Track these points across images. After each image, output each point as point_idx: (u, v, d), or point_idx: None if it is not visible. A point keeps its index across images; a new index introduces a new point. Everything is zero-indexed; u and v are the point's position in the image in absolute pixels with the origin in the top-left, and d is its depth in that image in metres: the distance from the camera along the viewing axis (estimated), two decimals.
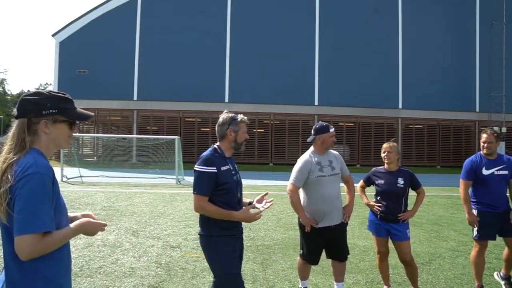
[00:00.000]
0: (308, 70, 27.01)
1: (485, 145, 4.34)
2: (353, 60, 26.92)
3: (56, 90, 1.84)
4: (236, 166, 3.11)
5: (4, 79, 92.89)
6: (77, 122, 1.85)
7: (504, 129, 25.92)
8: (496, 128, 25.92)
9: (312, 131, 4.01)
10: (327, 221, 3.89)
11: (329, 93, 26.81)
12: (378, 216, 4.19)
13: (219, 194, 2.88)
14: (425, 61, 27.50)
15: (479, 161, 4.40)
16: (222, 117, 3.02)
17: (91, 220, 1.79)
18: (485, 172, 4.32)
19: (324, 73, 26.97)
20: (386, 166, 4.24)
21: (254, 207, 3.03)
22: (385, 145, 4.25)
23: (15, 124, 1.74)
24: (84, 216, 1.87)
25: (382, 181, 4.19)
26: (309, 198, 3.95)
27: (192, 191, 2.92)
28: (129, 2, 26.39)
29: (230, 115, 3.01)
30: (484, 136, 4.38)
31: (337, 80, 26.74)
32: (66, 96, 1.82)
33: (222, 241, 2.90)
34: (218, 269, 2.91)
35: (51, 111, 1.73)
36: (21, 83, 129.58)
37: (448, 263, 5.47)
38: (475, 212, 4.40)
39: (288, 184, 3.95)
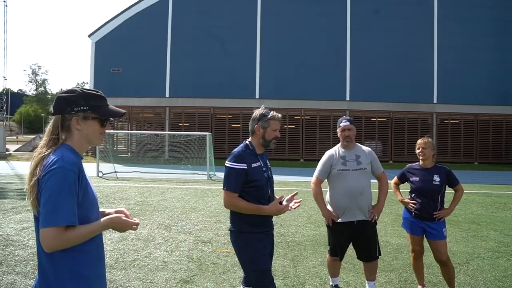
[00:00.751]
0: (339, 65, 26.60)
1: None
2: (386, 54, 26.28)
3: (90, 88, 1.87)
4: (268, 162, 3.07)
5: (46, 79, 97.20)
6: (110, 119, 1.87)
7: None
8: None
9: None
10: (348, 217, 3.82)
11: (360, 88, 26.32)
12: (413, 213, 4.07)
13: (249, 191, 2.85)
14: (462, 53, 26.44)
15: None
16: (254, 112, 2.99)
17: (122, 217, 1.80)
18: None
19: (356, 68, 26.48)
20: (421, 162, 4.10)
21: (282, 203, 2.98)
22: (419, 141, 4.11)
23: (51, 120, 1.81)
24: (117, 212, 1.89)
25: (417, 178, 4.05)
26: (332, 191, 3.94)
27: (222, 187, 2.92)
28: (161, 1, 26.85)
29: (262, 111, 2.95)
30: None
31: (369, 74, 26.20)
32: (98, 93, 1.86)
33: (253, 238, 2.87)
34: (248, 265, 2.89)
35: (82, 108, 1.77)
36: (60, 82, 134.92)
37: (487, 264, 5.24)
38: None
39: (313, 176, 3.98)
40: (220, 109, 26.96)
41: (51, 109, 1.80)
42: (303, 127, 26.76)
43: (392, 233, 6.89)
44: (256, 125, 2.94)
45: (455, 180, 4.06)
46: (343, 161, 3.85)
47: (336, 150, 3.97)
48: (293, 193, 2.98)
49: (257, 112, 2.97)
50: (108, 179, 14.48)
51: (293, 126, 26.89)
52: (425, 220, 4.00)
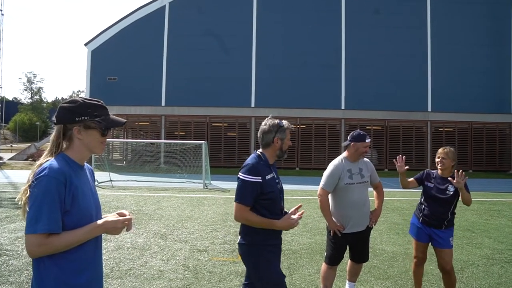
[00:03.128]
0: (335, 74, 26.77)
1: None
2: (380, 63, 26.51)
3: (91, 98, 1.91)
4: (277, 172, 3.04)
5: (41, 88, 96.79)
6: (110, 128, 1.91)
7: None
8: None
9: (348, 137, 4.01)
10: (353, 227, 3.92)
11: (355, 97, 26.47)
12: (420, 219, 4.09)
13: (264, 204, 2.79)
14: (456, 62, 26.74)
15: None
16: (267, 124, 2.90)
17: (109, 219, 1.81)
18: None
19: (351, 76, 26.66)
20: (439, 171, 4.13)
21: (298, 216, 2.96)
22: (440, 150, 4.13)
23: (54, 130, 1.86)
24: (119, 214, 1.90)
25: (431, 185, 4.08)
26: (337, 203, 3.96)
27: (234, 199, 2.84)
28: (157, 11, 27.01)
29: (276, 121, 2.89)
30: None
31: (364, 83, 26.39)
32: (100, 103, 1.89)
33: (266, 250, 2.81)
34: (262, 279, 2.81)
35: (83, 118, 1.82)
36: (56, 91, 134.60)
37: (482, 272, 5.28)
38: None
39: (319, 188, 3.98)
40: (216, 118, 27.01)
41: (54, 118, 1.85)
42: (299, 135, 26.84)
43: (387, 241, 6.92)
44: (274, 137, 2.87)
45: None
46: (349, 174, 3.90)
47: (342, 161, 3.97)
48: (297, 205, 2.95)
49: (271, 123, 2.89)
50: (103, 188, 14.43)
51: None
52: (433, 227, 4.03)
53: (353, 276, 4.25)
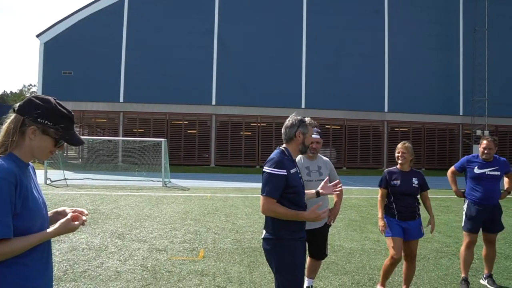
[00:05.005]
0: (295, 73, 27.14)
1: (485, 151, 4.67)
2: (340, 63, 27.18)
3: (64, 106, 1.77)
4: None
5: None
6: (64, 143, 1.79)
7: (486, 133, 26.44)
8: (481, 132, 26.49)
9: None
10: (312, 224, 3.94)
11: (315, 96, 26.98)
12: (396, 216, 4.21)
13: (289, 197, 2.83)
14: (410, 65, 27.92)
15: (473, 160, 4.81)
16: (291, 119, 3.01)
17: (62, 221, 1.73)
18: (476, 171, 4.71)
19: (311, 76, 27.14)
20: (399, 166, 4.29)
21: (322, 194, 3.09)
22: (400, 146, 4.29)
23: (10, 118, 1.70)
24: (56, 213, 1.83)
25: (398, 182, 4.22)
26: None
27: (261, 193, 2.84)
28: (116, 3, 26.17)
29: (299, 117, 3.00)
30: (484, 142, 4.70)
31: (324, 83, 26.96)
32: (71, 115, 1.78)
33: (292, 245, 2.85)
34: (286, 274, 2.82)
35: (45, 121, 1.69)
36: (4, 84, 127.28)
37: (432, 264, 5.56)
38: (466, 205, 4.87)
39: None
40: (176, 115, 26.60)
41: (16, 106, 1.70)
42: (259, 134, 27.00)
43: (345, 237, 7.11)
44: (296, 131, 2.95)
45: (426, 186, 4.36)
46: (307, 171, 3.96)
47: (300, 159, 4.02)
48: (318, 203, 2.95)
49: (294, 119, 3.00)
50: (57, 187, 13.83)
51: (250, 133, 27.05)
52: (408, 219, 4.21)
53: (312, 273, 4.34)
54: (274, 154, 2.93)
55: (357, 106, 27.19)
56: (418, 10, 28.15)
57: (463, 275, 4.71)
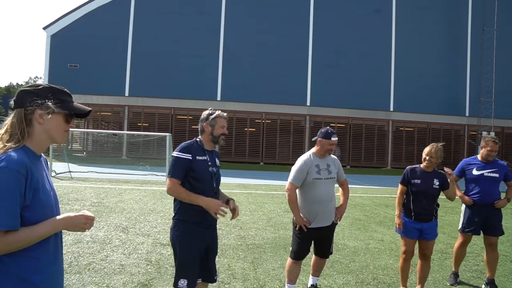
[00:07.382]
0: (301, 70, 27.05)
1: (492, 153, 4.69)
2: (346, 62, 27.06)
3: (54, 84, 1.79)
4: (217, 161, 3.28)
5: None
6: (75, 116, 1.79)
7: (492, 134, 26.28)
8: (487, 133, 26.32)
9: (318, 132, 4.11)
10: (319, 222, 3.98)
11: (321, 94, 26.90)
12: (413, 218, 4.20)
13: (192, 182, 3.02)
14: (417, 64, 27.74)
15: (472, 162, 4.85)
16: (202, 113, 3.27)
17: (70, 215, 1.71)
18: (475, 172, 4.76)
19: (317, 74, 27.04)
20: (423, 166, 4.26)
21: (227, 206, 3.13)
22: (429, 150, 4.17)
23: (11, 115, 1.69)
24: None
25: (419, 180, 4.20)
26: (304, 198, 4.01)
27: (166, 175, 3.02)
28: None
29: (208, 111, 3.24)
30: (491, 145, 4.69)
31: (330, 81, 26.85)
32: (65, 90, 1.78)
33: (189, 228, 3.04)
34: (179, 255, 3.06)
35: (46, 101, 1.69)
36: (10, 76, 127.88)
37: (436, 265, 5.52)
38: (463, 206, 4.95)
39: (287, 183, 4.01)
40: (181, 110, 26.62)
41: (11, 102, 1.69)
42: (264, 130, 26.96)
43: (349, 236, 7.09)
44: (204, 124, 3.18)
45: (448, 185, 4.28)
46: (317, 169, 3.97)
47: (310, 157, 4.04)
48: (236, 212, 3.16)
49: (204, 113, 3.24)
50: (62, 179, 13.89)
51: (254, 129, 27.02)
52: (423, 221, 4.19)
53: (317, 271, 4.34)
54: (185, 142, 3.19)
55: (363, 105, 27.08)
56: (425, 10, 27.94)
57: (454, 269, 4.98)
